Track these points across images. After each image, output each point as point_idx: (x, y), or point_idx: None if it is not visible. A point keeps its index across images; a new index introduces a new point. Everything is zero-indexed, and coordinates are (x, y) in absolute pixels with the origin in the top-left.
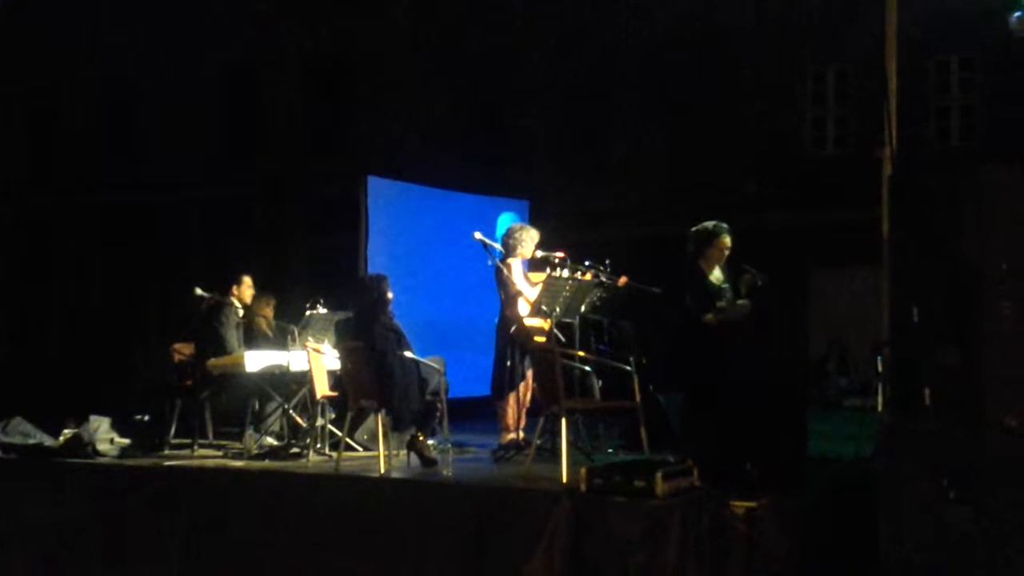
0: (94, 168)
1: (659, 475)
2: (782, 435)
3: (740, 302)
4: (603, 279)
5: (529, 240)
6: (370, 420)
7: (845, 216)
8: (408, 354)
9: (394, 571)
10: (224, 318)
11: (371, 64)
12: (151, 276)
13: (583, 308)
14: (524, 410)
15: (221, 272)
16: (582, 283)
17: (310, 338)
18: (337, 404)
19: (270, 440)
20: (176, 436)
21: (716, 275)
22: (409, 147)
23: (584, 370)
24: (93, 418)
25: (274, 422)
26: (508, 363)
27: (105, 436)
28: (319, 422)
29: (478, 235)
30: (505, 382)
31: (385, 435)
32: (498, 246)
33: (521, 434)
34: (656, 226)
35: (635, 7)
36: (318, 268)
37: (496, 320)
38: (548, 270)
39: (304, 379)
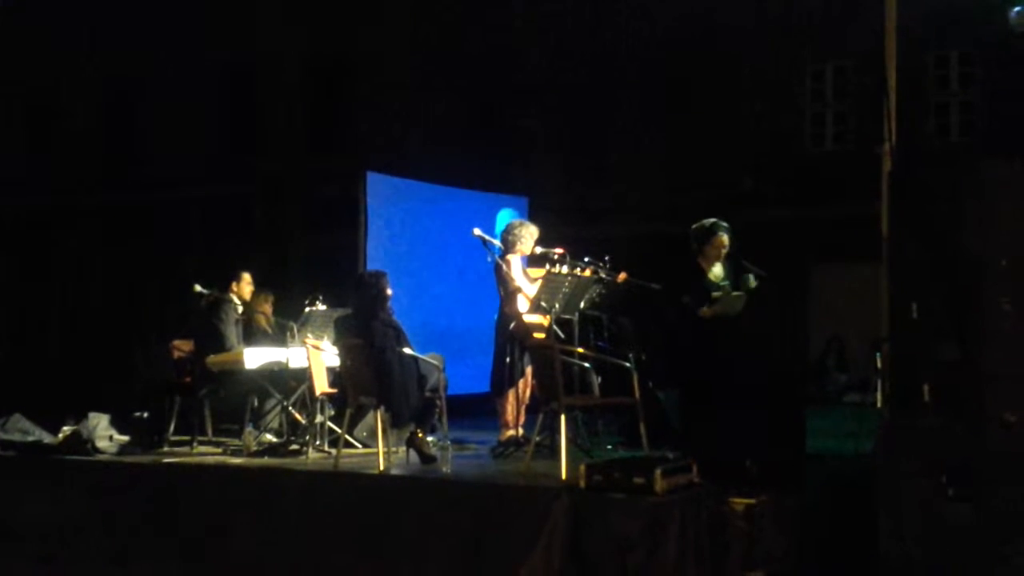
0: (94, 168)
1: (658, 472)
2: (781, 432)
3: (735, 293)
4: (602, 275)
5: (528, 236)
6: (369, 417)
7: (845, 212)
8: (407, 351)
9: (393, 567)
10: (223, 315)
11: (371, 64)
12: (151, 275)
13: (582, 304)
14: (523, 407)
15: (221, 271)
16: (581, 279)
17: (309, 335)
18: (336, 401)
19: (269, 437)
20: (175, 433)
21: (716, 272)
22: (409, 147)
23: (583, 366)
24: (92, 415)
25: (273, 419)
26: (507, 359)
27: (104, 433)
28: (318, 419)
29: (477, 231)
30: (504, 378)
31: (384, 432)
32: (497, 242)
33: (520, 431)
34: (656, 222)
35: (635, 7)
36: (318, 267)
37: (495, 316)
38: (547, 266)
39: (303, 376)
